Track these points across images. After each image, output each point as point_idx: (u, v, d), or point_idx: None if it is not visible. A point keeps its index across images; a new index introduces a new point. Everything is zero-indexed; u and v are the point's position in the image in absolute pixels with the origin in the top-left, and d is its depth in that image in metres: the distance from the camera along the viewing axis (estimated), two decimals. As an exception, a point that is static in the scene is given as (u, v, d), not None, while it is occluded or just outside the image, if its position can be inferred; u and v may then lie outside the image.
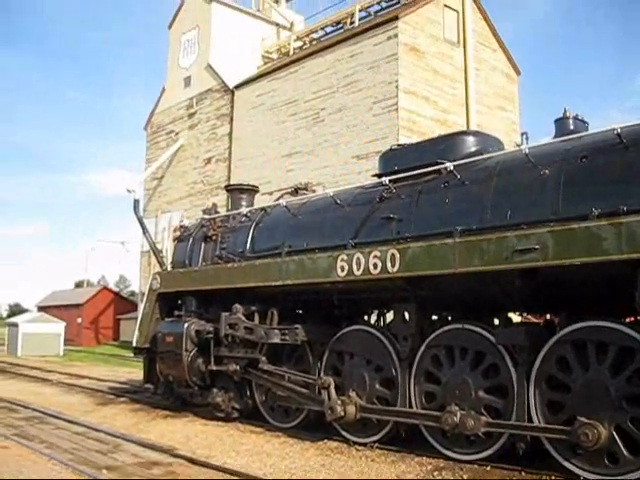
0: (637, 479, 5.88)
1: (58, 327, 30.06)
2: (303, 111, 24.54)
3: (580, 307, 6.75)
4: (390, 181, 8.34)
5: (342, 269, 7.98)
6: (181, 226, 12.63)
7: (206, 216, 11.73)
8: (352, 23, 26.33)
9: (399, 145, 9.52)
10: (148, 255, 27.57)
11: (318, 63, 24.38)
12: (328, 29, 28.74)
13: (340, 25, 27.64)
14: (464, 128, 19.64)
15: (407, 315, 7.91)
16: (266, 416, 9.73)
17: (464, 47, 22.11)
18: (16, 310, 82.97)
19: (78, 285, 63.65)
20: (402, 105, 21.07)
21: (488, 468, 6.87)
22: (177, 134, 31.12)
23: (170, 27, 32.71)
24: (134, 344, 11.84)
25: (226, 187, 13.32)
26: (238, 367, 9.71)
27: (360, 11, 26.42)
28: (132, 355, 13.69)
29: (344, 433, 8.41)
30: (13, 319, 32.61)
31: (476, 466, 6.98)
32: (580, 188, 6.49)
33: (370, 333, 8.39)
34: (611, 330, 6.17)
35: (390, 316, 8.59)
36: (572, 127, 7.48)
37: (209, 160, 29.13)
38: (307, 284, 8.68)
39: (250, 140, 26.80)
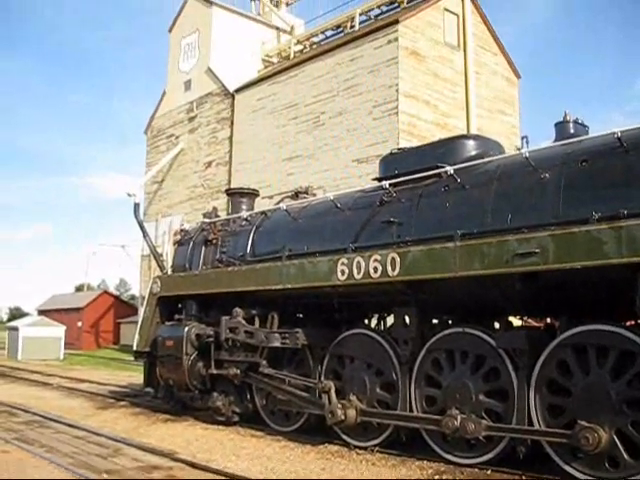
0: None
1: (58, 331, 30.06)
2: (303, 115, 24.55)
3: (581, 311, 6.74)
4: (390, 185, 8.34)
5: (342, 273, 7.98)
6: (181, 230, 12.63)
7: (206, 220, 11.75)
8: (352, 27, 26.34)
9: (399, 149, 9.54)
10: (148, 259, 27.55)
11: (318, 67, 24.39)
12: (328, 33, 28.75)
13: (340, 29, 27.65)
14: (464, 132, 19.72)
15: (407, 319, 7.91)
16: (267, 420, 9.72)
17: (464, 51, 22.27)
18: (16, 314, 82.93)
19: (78, 289, 63.66)
20: (402, 109, 21.07)
21: (489, 472, 6.87)
22: (177, 138, 31.13)
23: (170, 31, 32.74)
24: (134, 348, 11.83)
25: (226, 191, 13.34)
26: (238, 371, 9.70)
27: (360, 15, 26.42)
28: (132, 359, 13.67)
29: (345, 437, 8.40)
30: (13, 323, 32.66)
31: (477, 470, 6.98)
32: (580, 192, 6.50)
33: (371, 337, 8.39)
34: (611, 334, 6.17)
35: (390, 320, 8.59)
36: (572, 131, 7.49)
37: (209, 164, 29.13)
38: (307, 288, 8.67)
39: (250, 144, 26.81)
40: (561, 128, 7.59)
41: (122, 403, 12.97)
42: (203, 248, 11.28)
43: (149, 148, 33.37)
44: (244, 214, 11.03)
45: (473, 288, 7.25)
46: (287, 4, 33.77)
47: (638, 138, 6.32)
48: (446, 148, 8.41)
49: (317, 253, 8.65)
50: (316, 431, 8.82)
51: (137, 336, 11.72)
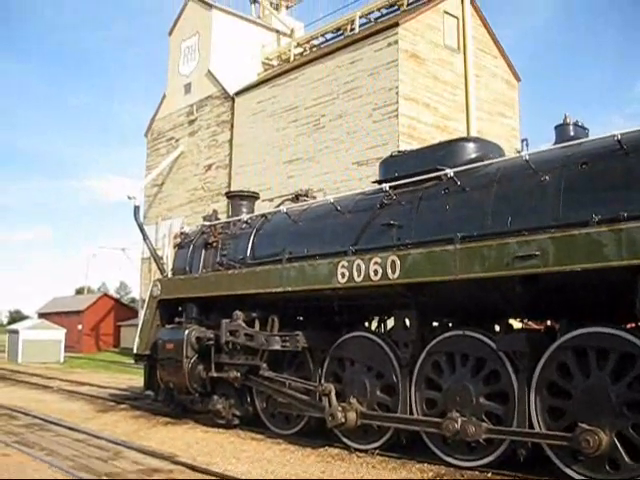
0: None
1: (59, 334, 30.06)
2: (303, 117, 24.56)
3: (581, 313, 6.74)
4: (390, 187, 8.35)
5: (343, 276, 7.99)
6: (181, 233, 12.63)
7: (206, 223, 11.75)
8: (352, 30, 26.37)
9: (399, 151, 9.53)
10: (149, 262, 27.57)
11: (318, 70, 24.41)
12: (328, 36, 28.81)
13: (340, 32, 27.69)
14: (464, 134, 19.72)
15: (408, 322, 7.91)
16: (267, 423, 9.72)
17: (464, 53, 22.24)
18: (16, 317, 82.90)
19: (79, 292, 63.65)
20: (402, 111, 21.09)
21: (489, 474, 6.87)
22: (177, 141, 31.15)
23: (170, 34, 32.78)
24: (135, 351, 11.83)
25: (227, 194, 13.35)
26: (239, 374, 9.70)
27: (360, 18, 26.46)
28: (133, 362, 13.68)
29: (345, 440, 8.40)
30: (13, 326, 32.61)
31: (477, 472, 6.97)
32: (580, 194, 6.50)
33: (371, 340, 8.39)
34: (612, 336, 6.17)
35: (391, 323, 8.59)
36: (572, 133, 7.49)
37: (209, 167, 29.14)
38: (308, 291, 8.68)
39: (250, 147, 26.82)
40: (561, 131, 7.60)
41: (122, 406, 12.96)
42: (203, 251, 11.28)
43: (149, 151, 33.39)
44: (244, 217, 11.03)
45: (473, 291, 7.25)
46: (287, 7, 33.84)
47: (638, 141, 6.33)
48: (446, 151, 8.42)
49: (317, 256, 8.65)
50: (316, 434, 8.81)
51: (137, 339, 11.72)
